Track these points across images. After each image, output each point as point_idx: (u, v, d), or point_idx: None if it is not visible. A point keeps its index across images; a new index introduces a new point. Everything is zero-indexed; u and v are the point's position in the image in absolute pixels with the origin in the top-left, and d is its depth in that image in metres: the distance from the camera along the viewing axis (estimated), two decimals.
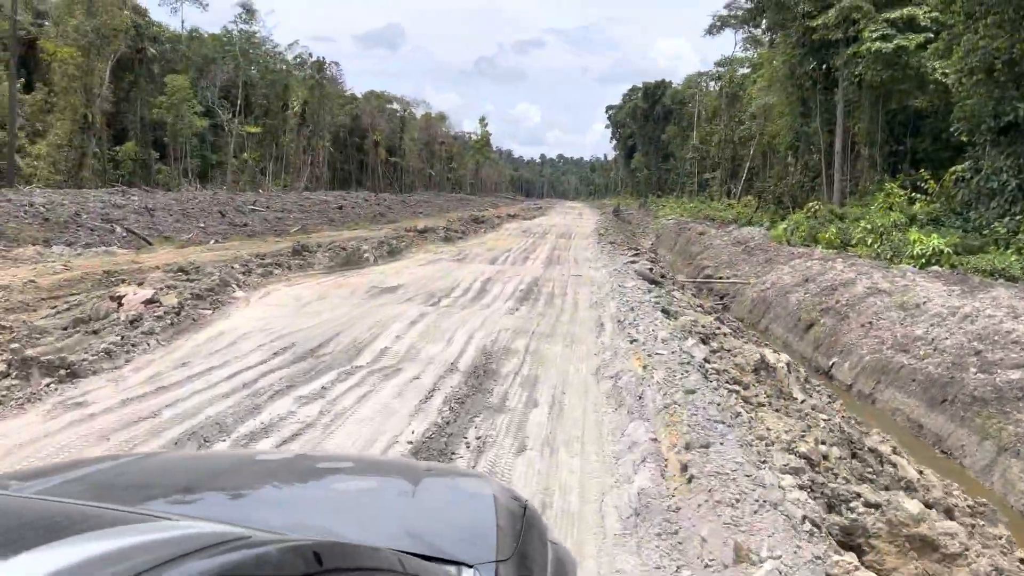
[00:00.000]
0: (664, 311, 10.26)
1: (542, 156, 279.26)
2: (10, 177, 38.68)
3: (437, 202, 76.65)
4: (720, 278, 26.38)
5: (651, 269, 16.15)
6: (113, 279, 12.98)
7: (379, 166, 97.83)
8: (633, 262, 17.43)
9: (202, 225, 32.17)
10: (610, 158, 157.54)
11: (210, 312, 9.94)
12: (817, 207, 29.98)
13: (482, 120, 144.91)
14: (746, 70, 71.84)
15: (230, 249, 20.83)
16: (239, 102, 61.78)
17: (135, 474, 1.94)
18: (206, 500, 1.83)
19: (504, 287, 14.71)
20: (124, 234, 26.35)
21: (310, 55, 71.26)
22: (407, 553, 1.38)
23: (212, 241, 26.28)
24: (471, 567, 1.59)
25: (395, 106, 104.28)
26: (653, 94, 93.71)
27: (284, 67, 72.41)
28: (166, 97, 53.31)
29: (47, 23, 49.09)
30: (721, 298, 24.01)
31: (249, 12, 61.65)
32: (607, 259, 21.75)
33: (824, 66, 34.88)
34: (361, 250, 17.95)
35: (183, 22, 60.38)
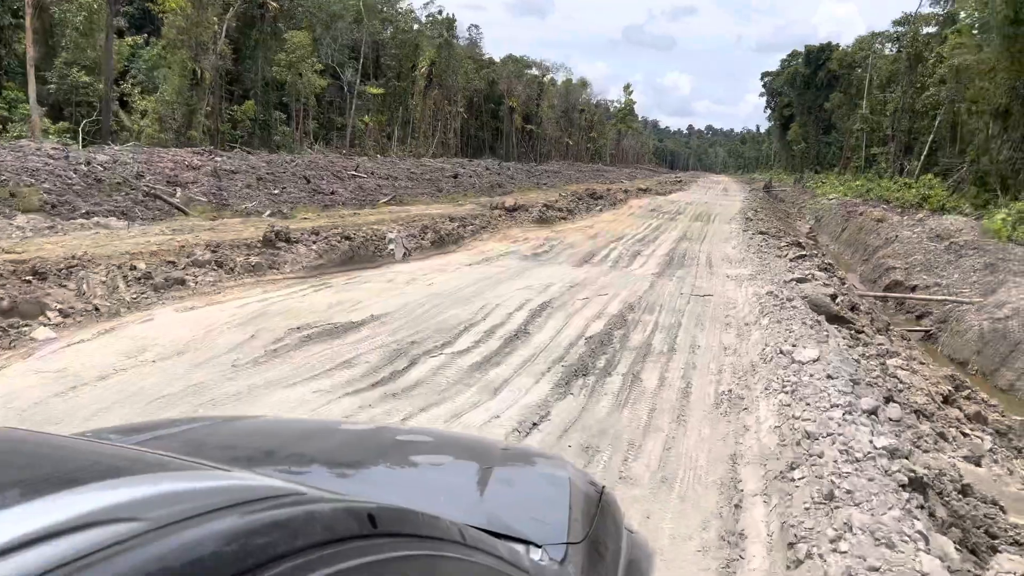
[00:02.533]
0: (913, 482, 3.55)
1: (689, 127, 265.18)
2: (105, 133, 35.68)
3: (568, 172, 69.94)
4: (915, 289, 18.58)
5: (833, 296, 9.10)
6: None
7: (514, 134, 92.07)
8: (801, 280, 10.37)
9: (276, 192, 27.37)
10: (763, 130, 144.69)
11: None
12: None
13: (627, 87, 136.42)
14: (932, 29, 60.46)
15: (244, 226, 15.40)
16: (360, 62, 57.44)
17: (225, 435, 2.00)
18: (283, 464, 1.81)
19: (564, 324, 8.22)
20: (167, 201, 21.71)
21: (440, 12, 65.85)
22: (471, 527, 1.27)
23: (267, 212, 21.23)
24: (539, 547, 1.54)
25: (534, 71, 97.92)
26: (816, 58, 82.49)
27: (416, 26, 67.58)
28: (285, 55, 49.46)
29: None
30: (919, 318, 16.39)
31: None
32: (755, 259, 14.75)
33: None
34: (386, 240, 11.97)
35: None
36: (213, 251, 9.83)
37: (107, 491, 0.77)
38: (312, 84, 50.72)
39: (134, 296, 7.55)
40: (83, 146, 33.29)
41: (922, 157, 53.40)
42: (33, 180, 20.89)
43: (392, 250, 11.88)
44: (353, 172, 38.18)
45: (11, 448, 0.96)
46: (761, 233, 19.32)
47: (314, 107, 54.09)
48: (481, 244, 15.31)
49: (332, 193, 29.91)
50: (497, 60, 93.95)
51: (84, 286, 7.28)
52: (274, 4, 51.01)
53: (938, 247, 21.35)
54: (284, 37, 50.25)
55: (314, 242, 10.81)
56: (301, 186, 30.34)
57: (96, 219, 16.22)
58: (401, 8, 67.96)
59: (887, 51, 71.61)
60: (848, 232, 31.05)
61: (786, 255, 15.10)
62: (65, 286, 7.92)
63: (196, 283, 8.48)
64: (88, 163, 25.26)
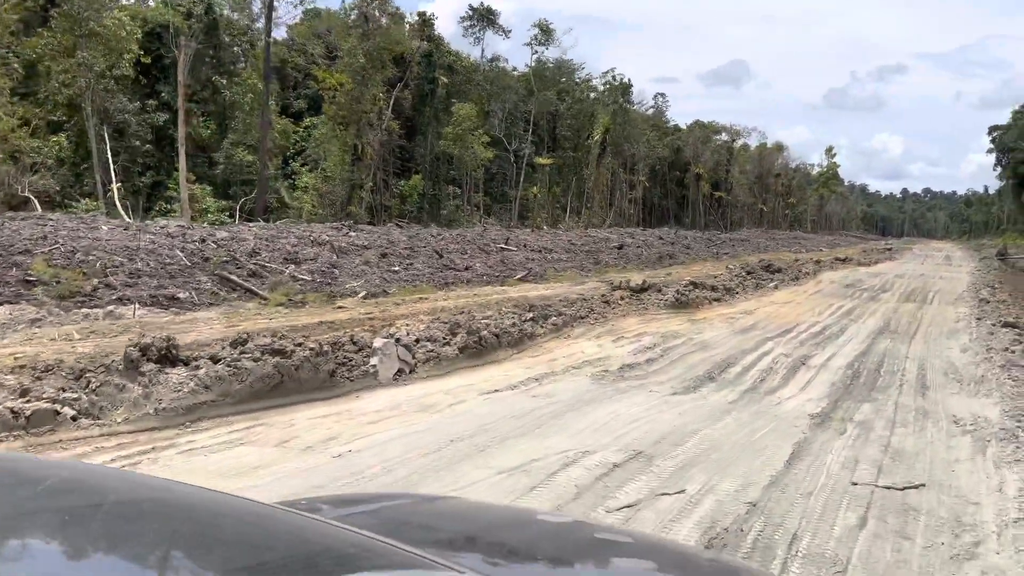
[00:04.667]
0: None
1: (903, 191, 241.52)
2: (259, 210, 34.86)
3: (758, 240, 62.60)
4: None
5: None
6: None
7: (700, 201, 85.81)
8: None
9: (396, 269, 24.16)
10: (992, 190, 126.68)
11: None
12: None
13: (829, 150, 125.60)
14: None
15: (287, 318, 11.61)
16: (529, 132, 54.83)
17: (425, 515, 1.96)
18: (485, 552, 1.73)
19: None
20: (236, 284, 18.89)
21: (613, 78, 62.23)
22: None
23: (362, 293, 17.81)
24: None
25: (723, 136, 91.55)
26: None
27: (592, 95, 64.52)
28: (452, 128, 47.80)
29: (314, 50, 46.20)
30: None
31: (545, 32, 54.48)
32: (1004, 377, 8.68)
33: None
34: (374, 349, 7.57)
35: (483, 51, 55.36)
36: (38, 378, 5.90)
37: None
38: (479, 156, 48.49)
39: None
40: (239, 224, 32.56)
41: None
42: (123, 260, 18.88)
43: (375, 367, 7.38)
44: (503, 245, 34.71)
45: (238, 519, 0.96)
46: (1010, 326, 12.69)
47: (481, 179, 51.89)
48: (560, 345, 10.39)
49: (466, 269, 26.26)
50: (683, 127, 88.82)
51: None
52: (444, 80, 49.85)
53: None
54: (452, 110, 48.73)
55: (221, 360, 6.55)
56: (431, 261, 27.04)
57: (111, 308, 13.24)
58: (579, 78, 65.27)
59: None
60: None
61: None
62: None
63: None
64: (203, 240, 23.41)
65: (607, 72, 64.03)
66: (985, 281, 27.20)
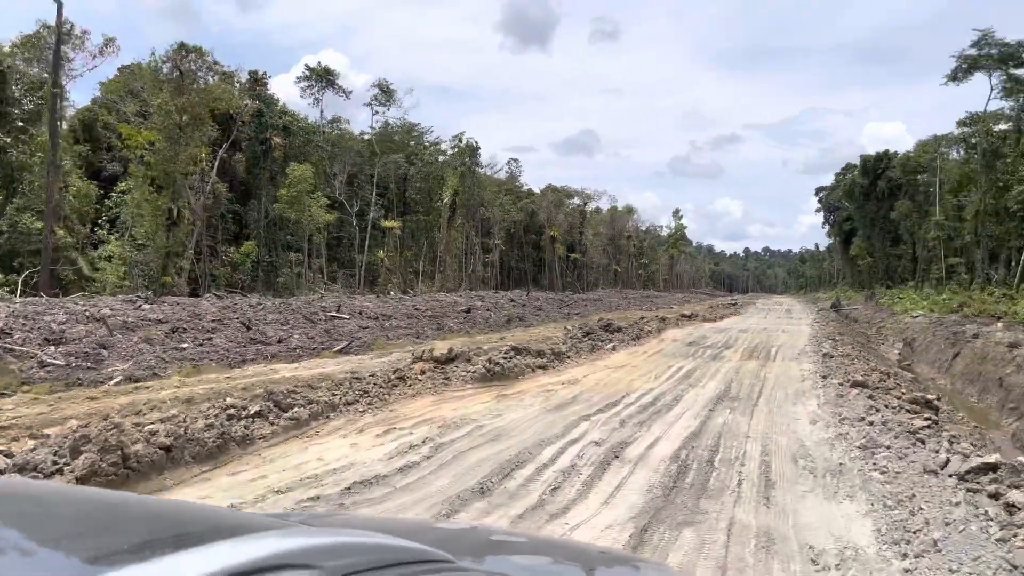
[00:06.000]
0: None
1: (745, 250, 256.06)
2: (43, 284, 29.77)
3: (611, 300, 62.00)
4: None
5: None
6: None
7: (556, 263, 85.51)
8: None
9: (184, 346, 20.28)
10: (822, 247, 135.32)
11: None
12: None
13: (676, 212, 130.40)
14: (1005, 125, 52.47)
15: None
16: (373, 194, 52.06)
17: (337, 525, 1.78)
18: None
19: None
20: None
21: (460, 140, 60.90)
22: None
23: (116, 379, 14.18)
24: None
25: (575, 201, 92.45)
26: (874, 168, 74.60)
27: (442, 158, 62.88)
28: (286, 190, 44.21)
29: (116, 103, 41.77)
30: None
31: (386, 92, 52.38)
32: (864, 462, 6.47)
33: None
34: None
35: (321, 112, 52.47)
36: None
37: (284, 539, 0.72)
38: (317, 220, 45.04)
39: None
40: (21, 298, 27.47)
41: (1021, 263, 43.90)
42: None
43: None
44: (334, 313, 31.32)
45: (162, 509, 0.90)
46: (859, 385, 10.79)
47: (323, 245, 48.32)
48: (291, 450, 7.31)
49: (279, 342, 22.64)
50: (537, 191, 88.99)
51: None
52: (278, 140, 46.42)
53: None
54: (287, 172, 45.25)
55: None
56: (237, 335, 23.32)
57: None
58: (427, 141, 63.55)
59: (953, 155, 63.57)
60: (965, 362, 21.96)
61: (925, 438, 6.82)
62: None
63: None
64: None
65: (456, 136, 62.71)
66: (825, 333, 26.53)
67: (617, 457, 7.29)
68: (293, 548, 0.71)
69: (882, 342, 34.46)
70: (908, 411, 9.14)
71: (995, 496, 5.02)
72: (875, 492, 5.65)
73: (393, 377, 11.21)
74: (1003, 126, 52.75)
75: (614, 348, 18.71)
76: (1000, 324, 26.10)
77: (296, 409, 8.19)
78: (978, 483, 5.37)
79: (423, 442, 7.58)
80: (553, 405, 10.31)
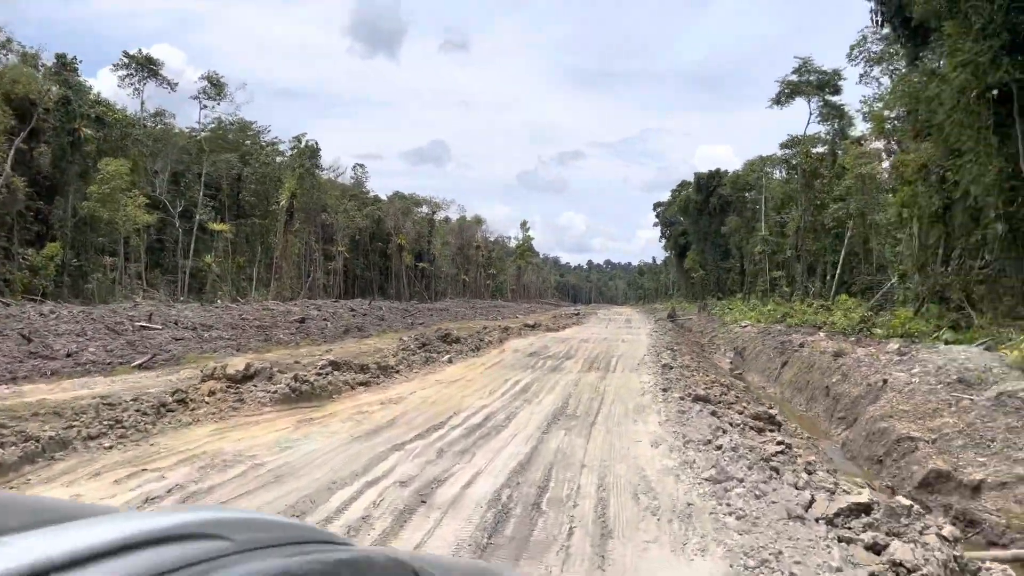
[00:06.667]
0: None
1: (589, 262, 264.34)
2: None
3: (458, 310, 60.76)
4: (980, 488, 9.58)
5: None
6: None
7: (404, 272, 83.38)
8: None
9: None
10: (660, 260, 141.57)
11: None
12: None
13: (523, 224, 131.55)
14: (821, 149, 56.28)
15: None
16: (200, 193, 47.97)
17: None
18: None
19: None
20: None
21: (299, 140, 57.70)
22: None
23: None
24: None
25: (424, 209, 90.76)
26: (707, 185, 78.25)
27: (280, 159, 59.29)
28: (97, 186, 39.54)
29: None
30: None
31: (216, 86, 48.49)
32: (730, 523, 5.39)
33: None
34: None
35: (143, 103, 47.64)
36: None
37: (192, 513, 0.69)
38: (135, 220, 40.62)
39: None
40: None
41: (836, 276, 46.97)
42: None
43: None
44: (144, 323, 27.93)
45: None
46: (701, 400, 9.94)
47: (137, 247, 43.74)
48: None
49: (67, 356, 19.41)
50: (384, 198, 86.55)
51: None
52: (88, 132, 41.54)
53: (974, 400, 12.61)
54: (100, 167, 40.53)
55: None
56: (12, 348, 19.92)
57: None
58: (264, 141, 59.70)
59: (777, 175, 67.73)
60: (794, 371, 22.39)
61: (779, 465, 5.88)
62: None
63: None
64: None
65: (296, 137, 59.28)
66: (664, 343, 26.46)
67: (424, 502, 5.79)
68: (202, 519, 0.66)
69: (715, 351, 35.35)
70: (753, 428, 8.30)
71: (875, 549, 3.94)
72: (732, 545, 4.50)
73: (171, 400, 9.14)
74: (820, 149, 56.40)
75: (450, 360, 17.28)
76: (822, 333, 27.13)
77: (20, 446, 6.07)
78: (851, 529, 4.32)
79: (170, 491, 5.73)
80: (365, 431, 8.68)
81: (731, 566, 4.18)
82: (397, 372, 14.47)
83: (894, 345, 19.47)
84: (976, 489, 9.94)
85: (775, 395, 21.75)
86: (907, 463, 11.56)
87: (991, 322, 21.64)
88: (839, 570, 3.68)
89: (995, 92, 20.38)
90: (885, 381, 15.37)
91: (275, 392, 10.24)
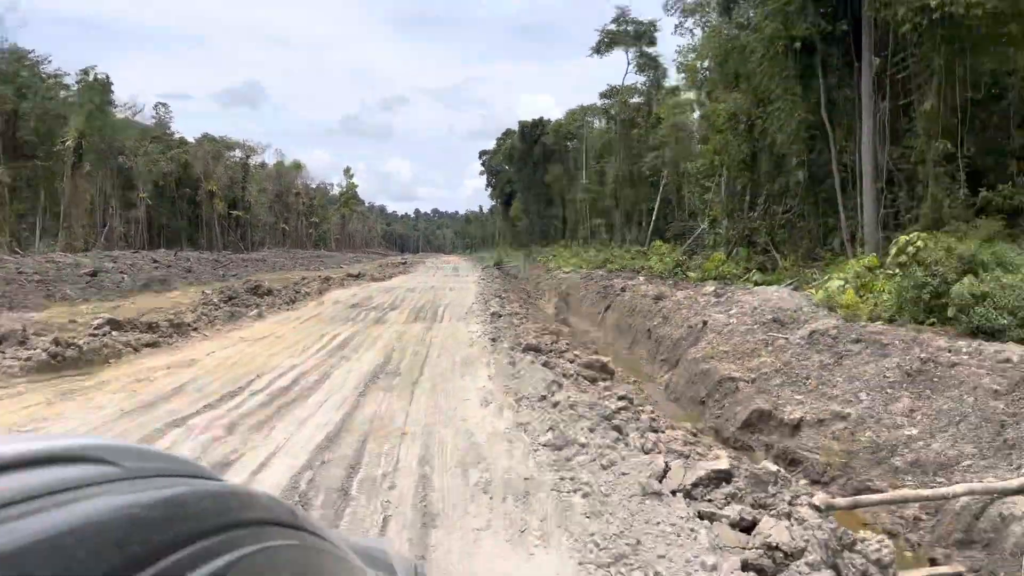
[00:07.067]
0: None
1: (416, 211, 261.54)
2: None
3: (277, 260, 57.28)
4: (800, 426, 9.75)
5: None
6: None
7: (216, 221, 77.55)
8: None
9: None
10: (486, 209, 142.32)
11: None
12: (922, 240, 13.85)
13: (347, 171, 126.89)
14: (637, 99, 57.89)
15: None
16: None
17: None
18: None
19: None
20: None
21: (87, 73, 51.09)
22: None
23: None
24: None
25: (237, 153, 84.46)
26: (531, 134, 78.61)
27: (65, 94, 52.29)
28: None
29: None
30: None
31: None
32: (578, 504, 4.64)
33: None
34: None
35: None
36: None
37: (75, 438, 0.70)
38: None
39: None
40: None
41: (651, 223, 48.87)
42: None
43: None
44: None
45: None
46: (532, 350, 9.25)
47: None
48: None
49: None
50: (192, 140, 79.44)
51: None
52: None
53: (788, 340, 12.99)
54: None
55: None
56: None
57: None
58: (45, 73, 52.28)
59: (596, 125, 69.23)
60: (616, 315, 22.67)
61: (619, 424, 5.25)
62: None
63: None
64: None
65: (84, 70, 52.30)
66: (492, 291, 25.96)
67: None
68: (92, 443, 0.67)
69: (539, 297, 35.59)
70: (587, 378, 7.71)
71: (741, 527, 3.27)
72: (580, 533, 3.71)
73: None
74: (637, 99, 57.87)
75: (259, 315, 15.60)
76: (642, 277, 27.83)
77: None
78: (711, 501, 3.67)
79: None
80: (140, 403, 7.16)
81: (580, 564, 3.39)
82: (195, 330, 12.69)
83: (710, 287, 20.08)
84: (796, 427, 10.08)
85: (600, 339, 21.92)
86: (730, 403, 11.66)
87: (793, 263, 23.06)
88: (714, 568, 2.99)
89: (799, 43, 21.19)
90: (705, 323, 15.65)
91: (29, 359, 8.34)
